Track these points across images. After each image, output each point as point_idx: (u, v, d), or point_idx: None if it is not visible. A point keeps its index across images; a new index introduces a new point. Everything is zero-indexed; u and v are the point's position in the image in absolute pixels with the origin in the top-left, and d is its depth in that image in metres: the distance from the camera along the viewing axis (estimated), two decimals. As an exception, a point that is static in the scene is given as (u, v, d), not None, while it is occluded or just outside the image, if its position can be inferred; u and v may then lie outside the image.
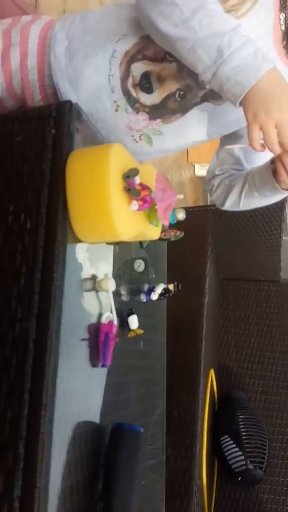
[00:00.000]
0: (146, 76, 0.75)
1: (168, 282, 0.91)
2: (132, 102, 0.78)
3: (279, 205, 1.75)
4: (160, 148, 0.86)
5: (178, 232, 0.90)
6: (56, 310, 0.57)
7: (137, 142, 0.83)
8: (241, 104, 0.64)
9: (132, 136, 0.82)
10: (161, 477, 0.96)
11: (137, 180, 0.64)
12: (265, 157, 0.91)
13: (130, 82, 0.76)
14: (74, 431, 0.60)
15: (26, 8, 1.20)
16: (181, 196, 0.70)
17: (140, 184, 0.65)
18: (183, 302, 1.37)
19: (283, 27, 0.73)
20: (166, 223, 0.71)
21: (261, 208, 1.66)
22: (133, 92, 0.77)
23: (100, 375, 0.70)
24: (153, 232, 0.78)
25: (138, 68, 0.75)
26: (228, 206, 0.97)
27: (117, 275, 0.74)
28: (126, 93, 0.77)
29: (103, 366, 0.66)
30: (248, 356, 1.83)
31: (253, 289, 2.01)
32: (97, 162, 0.59)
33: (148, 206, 0.65)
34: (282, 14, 0.72)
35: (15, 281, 0.59)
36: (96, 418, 0.67)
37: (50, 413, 0.54)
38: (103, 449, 0.67)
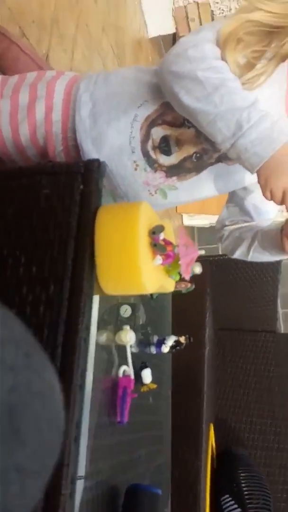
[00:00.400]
0: (165, 139, 0.80)
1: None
2: (151, 162, 0.82)
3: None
4: (173, 201, 0.89)
5: (189, 285, 0.92)
6: (81, 363, 0.56)
7: (152, 195, 0.87)
8: (255, 168, 0.69)
9: (149, 190, 0.85)
10: None
11: (162, 235, 0.66)
12: (273, 210, 0.96)
13: (150, 144, 0.81)
14: (89, 492, 0.57)
15: (42, 64, 1.27)
16: (203, 252, 0.72)
17: (164, 240, 0.66)
18: (182, 353, 1.35)
19: None
20: (188, 278, 0.72)
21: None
22: (152, 154, 0.81)
23: (114, 432, 0.68)
24: (170, 285, 0.79)
25: (158, 132, 0.80)
26: (237, 256, 1.00)
27: (102, 319, 0.72)
28: (145, 154, 0.81)
29: (120, 423, 0.65)
30: (247, 409, 1.79)
31: (250, 340, 2.01)
32: (127, 219, 0.61)
33: (171, 261, 0.67)
34: None
35: (38, 331, 0.59)
36: (109, 479, 0.64)
37: (72, 473, 0.52)
38: (118, 511, 0.64)
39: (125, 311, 0.86)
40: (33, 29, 1.46)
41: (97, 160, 0.68)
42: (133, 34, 2.60)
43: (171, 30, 2.84)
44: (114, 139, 0.80)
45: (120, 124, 0.80)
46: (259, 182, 0.70)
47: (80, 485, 0.54)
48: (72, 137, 0.82)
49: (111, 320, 0.71)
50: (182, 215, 3.35)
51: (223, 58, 0.72)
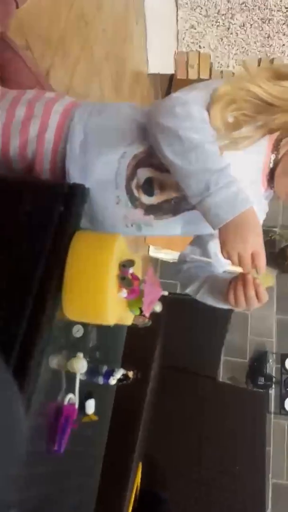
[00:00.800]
0: (149, 181, 0.83)
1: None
2: (133, 200, 0.85)
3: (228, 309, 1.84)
4: (146, 234, 0.92)
5: (147, 320, 0.93)
6: (30, 387, 0.55)
7: (128, 227, 0.89)
8: (216, 227, 0.75)
9: (126, 223, 0.87)
10: None
11: (131, 270, 0.67)
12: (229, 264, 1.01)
13: (134, 183, 0.84)
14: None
15: (41, 80, 1.28)
16: (166, 293, 0.74)
17: (132, 274, 0.68)
18: (126, 386, 1.34)
19: (271, 165, 0.86)
20: (147, 315, 0.73)
21: (211, 308, 1.74)
22: (135, 192, 0.85)
23: (48, 459, 0.66)
24: (129, 318, 0.79)
25: (143, 173, 0.83)
26: (188, 291, 1.04)
27: (55, 336, 0.68)
28: (129, 191, 0.84)
29: (57, 451, 0.63)
30: (176, 453, 1.79)
31: (191, 383, 2.03)
32: (102, 249, 0.62)
33: (136, 297, 0.68)
34: (273, 155, 0.84)
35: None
36: (36, 510, 0.62)
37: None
38: None
39: (77, 331, 0.86)
40: (39, 43, 1.48)
41: (82, 185, 0.69)
42: (134, 67, 2.69)
43: (170, 70, 2.96)
44: (101, 172, 0.82)
45: (108, 158, 0.82)
46: (219, 240, 0.75)
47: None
48: (60, 159, 0.83)
49: (62, 337, 0.69)
50: (149, 246, 3.40)
51: (211, 113, 0.77)
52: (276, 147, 0.85)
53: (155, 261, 3.38)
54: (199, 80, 2.86)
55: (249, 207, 0.72)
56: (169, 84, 3.33)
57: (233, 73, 2.74)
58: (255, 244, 0.73)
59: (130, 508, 1.24)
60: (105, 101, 2.23)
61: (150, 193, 0.84)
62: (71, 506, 0.81)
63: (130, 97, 2.62)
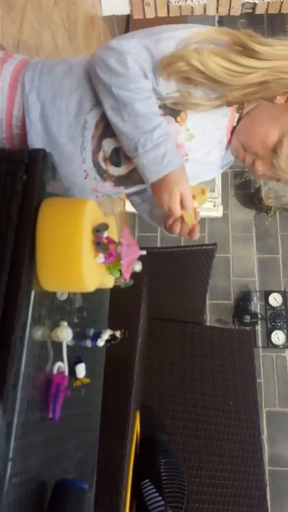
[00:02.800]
0: (116, 151, 0.80)
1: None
2: (101, 172, 0.83)
3: (209, 254, 1.86)
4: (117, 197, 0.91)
5: (128, 280, 0.92)
6: (15, 363, 0.55)
7: (98, 198, 0.88)
8: (147, 184, 0.78)
9: (96, 195, 0.87)
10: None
11: (105, 234, 0.65)
12: None
13: (101, 156, 0.81)
14: (17, 490, 0.56)
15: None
16: (144, 252, 0.73)
17: (107, 238, 0.66)
18: (116, 343, 1.37)
19: (235, 124, 0.84)
20: (127, 277, 0.73)
21: (193, 256, 1.75)
22: (102, 164, 0.82)
23: (43, 427, 0.67)
24: (110, 281, 0.79)
25: (109, 144, 0.79)
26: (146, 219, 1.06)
27: (38, 302, 0.67)
28: (96, 165, 0.82)
29: (51, 420, 0.64)
30: (171, 397, 1.87)
31: (179, 330, 2.08)
32: (72, 215, 0.60)
33: (113, 260, 0.67)
34: (237, 114, 0.82)
35: None
36: (37, 475, 0.64)
37: (2, 474, 0.51)
38: (45, 506, 0.64)
39: (61, 294, 0.85)
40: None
41: (43, 150, 0.66)
42: (86, 11, 2.51)
43: (126, 11, 2.77)
44: (66, 147, 0.79)
45: (71, 130, 0.79)
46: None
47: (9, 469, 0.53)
48: (17, 125, 0.78)
49: (46, 304, 0.68)
50: (125, 202, 3.36)
51: (160, 74, 0.73)
52: (240, 106, 0.82)
53: (133, 216, 3.36)
54: (157, 19, 2.70)
55: (175, 168, 0.74)
56: (127, 26, 3.14)
57: (192, 8, 2.58)
58: (183, 192, 0.76)
59: (133, 455, 1.32)
60: (60, 51, 2.09)
61: (117, 163, 0.81)
62: (74, 463, 0.84)
63: (85, 44, 2.47)
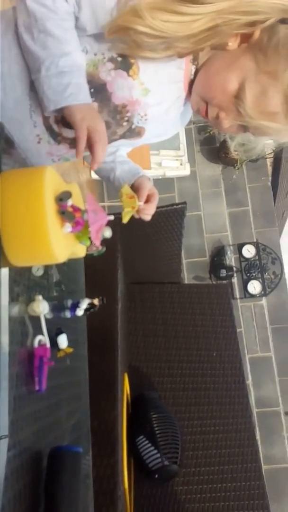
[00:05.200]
0: None
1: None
2: (55, 135, 0.79)
3: (180, 213, 1.87)
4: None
5: (100, 247, 0.92)
6: (-6, 341, 0.55)
7: (55, 161, 0.85)
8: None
9: (52, 159, 0.83)
10: (89, 490, 0.97)
11: (69, 202, 0.64)
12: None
13: (52, 118, 0.77)
14: (12, 464, 0.58)
15: None
16: (112, 217, 0.72)
17: (72, 206, 0.65)
18: (96, 311, 1.38)
19: (192, 77, 0.80)
20: (98, 244, 0.72)
21: (164, 217, 1.75)
22: (55, 127, 0.78)
23: (33, 400, 0.68)
24: (81, 250, 0.78)
25: None
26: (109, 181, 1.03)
27: (14, 281, 0.67)
28: (48, 128, 0.78)
29: (39, 391, 0.65)
30: (156, 356, 1.92)
31: (157, 292, 2.11)
32: (32, 185, 0.58)
33: (81, 228, 0.66)
34: (194, 66, 0.79)
35: None
36: (32, 446, 0.65)
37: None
38: (43, 475, 0.66)
39: (37, 270, 0.84)
40: None
41: (-7, 121, 0.63)
42: None
43: None
44: (13, 111, 0.75)
45: (16, 92, 0.74)
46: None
47: (4, 445, 0.54)
48: None
49: (23, 281, 0.68)
50: (90, 169, 3.29)
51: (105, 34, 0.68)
52: (196, 57, 0.79)
53: (100, 183, 3.30)
54: None
55: (78, 104, 0.69)
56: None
57: None
58: (91, 127, 0.71)
59: (125, 415, 1.36)
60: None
61: (70, 125, 0.77)
62: (68, 430, 0.86)
63: None
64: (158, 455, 1.51)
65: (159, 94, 0.78)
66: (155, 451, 1.51)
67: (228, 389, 1.97)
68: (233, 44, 0.73)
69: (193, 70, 0.79)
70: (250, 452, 1.82)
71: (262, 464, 1.95)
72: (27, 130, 0.77)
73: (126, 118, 0.80)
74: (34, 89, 0.74)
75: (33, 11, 0.67)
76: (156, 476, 1.52)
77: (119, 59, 0.73)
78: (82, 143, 0.71)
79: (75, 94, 0.69)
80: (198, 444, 1.79)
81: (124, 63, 0.73)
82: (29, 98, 0.76)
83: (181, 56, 0.74)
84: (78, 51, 0.71)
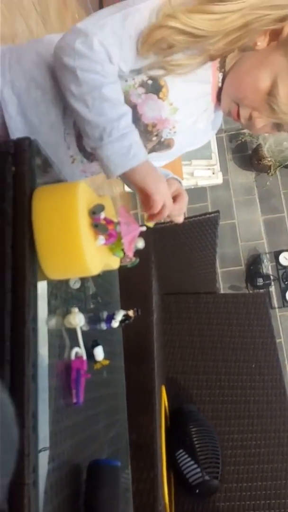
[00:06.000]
0: None
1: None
2: (88, 155, 0.82)
3: (213, 222, 1.85)
4: None
5: (134, 258, 0.92)
6: (31, 354, 0.55)
7: (87, 177, 0.87)
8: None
9: (85, 175, 0.86)
10: (129, 504, 0.96)
11: (102, 215, 0.64)
12: None
13: (85, 140, 0.79)
14: (52, 475, 0.58)
15: None
16: (144, 228, 0.72)
17: (105, 219, 0.65)
18: (131, 322, 1.38)
19: (220, 84, 0.80)
20: (131, 255, 0.72)
21: (197, 226, 1.74)
22: (88, 148, 0.80)
23: (71, 413, 0.69)
24: (115, 262, 0.78)
25: None
26: None
27: (51, 294, 0.68)
28: (82, 149, 0.81)
29: (76, 404, 0.65)
30: (194, 368, 1.89)
31: (193, 302, 2.09)
32: (65, 200, 0.59)
33: (114, 240, 0.66)
34: (220, 74, 0.79)
35: (-17, 327, 0.56)
36: (71, 459, 0.65)
37: (34, 462, 0.52)
38: (82, 489, 0.65)
39: (74, 283, 0.86)
40: None
41: (28, 138, 0.65)
42: (55, -9, 2.43)
43: (95, -14, 2.68)
44: (48, 136, 0.77)
45: (51, 118, 0.77)
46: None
47: (44, 457, 0.54)
48: None
49: (60, 294, 0.69)
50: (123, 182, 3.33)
51: (141, 51, 0.69)
52: (222, 65, 0.79)
53: (133, 196, 3.33)
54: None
55: (142, 163, 0.70)
56: (100, 2, 3.05)
57: None
58: (162, 193, 0.72)
59: (163, 427, 1.34)
60: (35, 36, 2.04)
61: None
62: (107, 444, 0.86)
63: (60, 25, 2.40)
64: (199, 469, 1.48)
65: (187, 110, 0.80)
66: (195, 466, 1.48)
67: (269, 402, 1.91)
68: (262, 43, 0.73)
69: (221, 78, 0.79)
70: (295, 468, 1.74)
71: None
72: (61, 152, 0.80)
73: (155, 133, 0.81)
74: (67, 113, 0.77)
75: (86, 80, 0.67)
76: (197, 491, 1.48)
77: (150, 82, 0.74)
78: (158, 207, 0.73)
79: (138, 154, 0.70)
80: (239, 459, 1.73)
81: (154, 86, 0.74)
82: (63, 123, 0.78)
83: (212, 59, 0.74)
84: (128, 107, 0.72)
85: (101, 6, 2.99)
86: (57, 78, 0.72)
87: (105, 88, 0.68)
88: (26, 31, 1.94)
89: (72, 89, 0.68)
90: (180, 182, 0.89)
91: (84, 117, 0.69)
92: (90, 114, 0.68)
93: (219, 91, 0.81)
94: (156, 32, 0.68)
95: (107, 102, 0.68)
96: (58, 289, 0.68)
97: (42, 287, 0.62)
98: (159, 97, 0.75)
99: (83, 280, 0.83)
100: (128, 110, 0.70)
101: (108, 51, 0.69)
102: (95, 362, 0.79)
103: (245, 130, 3.27)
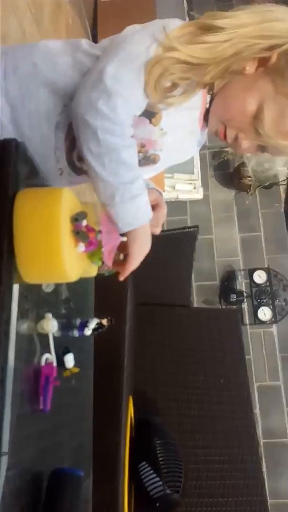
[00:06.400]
0: None
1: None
2: (76, 169, 0.83)
3: (192, 237, 1.87)
4: None
5: (111, 267, 0.92)
6: (1, 358, 0.55)
7: (73, 185, 0.87)
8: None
9: (72, 185, 0.86)
10: (88, 516, 0.94)
11: (84, 222, 0.65)
12: None
13: (74, 155, 0.80)
14: (12, 482, 0.57)
15: None
16: (125, 239, 0.72)
17: (86, 226, 0.65)
18: (104, 330, 1.38)
19: (207, 106, 0.83)
20: (110, 264, 0.73)
21: (175, 239, 1.75)
22: (77, 163, 0.82)
23: (36, 419, 0.67)
24: (93, 270, 0.78)
25: None
26: None
27: (23, 296, 0.66)
28: (70, 163, 0.82)
29: (43, 411, 0.64)
30: (162, 380, 1.89)
31: (167, 314, 2.10)
32: (48, 205, 0.59)
33: (94, 249, 0.66)
34: (209, 96, 0.82)
35: None
36: (32, 466, 0.64)
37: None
38: (42, 497, 0.64)
39: (47, 286, 0.84)
40: None
41: (15, 140, 0.64)
42: (51, -6, 2.43)
43: (91, -7, 2.71)
44: (38, 147, 0.77)
45: (43, 130, 0.77)
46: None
47: (4, 462, 0.53)
48: None
49: (32, 297, 0.68)
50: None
51: (147, 90, 0.71)
52: (211, 87, 0.81)
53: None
54: (125, 1, 2.64)
55: (145, 223, 0.74)
56: (94, 8, 3.07)
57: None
58: (145, 253, 0.78)
59: (128, 439, 1.33)
60: (28, 38, 2.03)
61: None
62: (70, 452, 0.85)
63: (54, 29, 2.41)
64: (160, 483, 1.47)
65: (175, 134, 0.82)
66: (157, 479, 1.47)
67: (235, 418, 1.93)
68: (250, 68, 0.76)
69: (209, 99, 0.82)
70: (256, 485, 1.75)
71: (268, 498, 1.88)
72: (50, 165, 0.81)
73: (142, 151, 0.83)
74: (59, 128, 0.77)
75: (105, 142, 0.68)
76: (157, 504, 1.47)
77: (145, 109, 0.75)
78: (128, 272, 0.77)
79: (145, 213, 0.73)
80: (202, 474, 1.74)
81: (149, 112, 0.76)
82: (54, 137, 0.78)
83: (204, 87, 0.77)
84: (139, 169, 0.74)
85: (95, 11, 3.01)
86: (74, 127, 0.72)
87: (123, 151, 0.69)
88: (19, 31, 1.93)
89: (90, 147, 0.69)
90: (160, 193, 0.90)
91: (98, 175, 0.70)
92: (105, 173, 0.69)
93: (206, 112, 0.83)
94: (157, 65, 0.70)
95: (124, 165, 0.69)
96: (30, 291, 0.67)
97: (14, 288, 0.61)
98: (151, 122, 0.78)
99: (57, 284, 0.82)
100: (139, 172, 0.73)
101: (129, 111, 0.70)
102: (65, 369, 0.78)
103: (228, 149, 3.33)
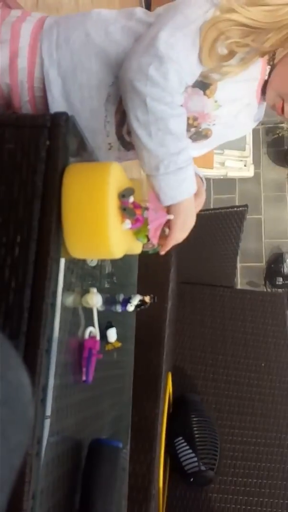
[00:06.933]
0: None
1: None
2: (125, 144, 0.81)
3: (240, 216, 1.82)
4: None
5: (156, 245, 0.91)
6: (47, 328, 0.56)
7: (121, 162, 0.86)
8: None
9: (120, 162, 0.86)
10: (124, 483, 0.97)
11: (131, 199, 0.64)
12: None
13: (125, 129, 0.79)
14: (54, 448, 0.59)
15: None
16: (172, 217, 0.71)
17: (133, 203, 0.65)
18: (146, 308, 1.39)
19: (266, 77, 0.79)
20: (155, 242, 0.72)
21: (223, 218, 1.71)
22: (127, 137, 0.80)
23: (78, 390, 0.70)
24: (137, 247, 0.78)
25: None
26: None
27: (68, 268, 0.66)
28: (120, 137, 0.80)
29: (85, 382, 0.66)
30: (202, 358, 1.89)
31: (209, 294, 2.08)
32: (96, 180, 0.59)
33: (140, 225, 0.66)
34: (268, 67, 0.78)
35: (3, 296, 0.57)
36: (73, 435, 0.67)
37: (38, 434, 0.53)
38: (82, 464, 0.67)
39: (91, 261, 0.86)
40: None
41: (65, 114, 0.64)
42: None
43: None
44: (88, 121, 0.77)
45: (93, 103, 0.76)
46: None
47: (46, 425, 0.55)
48: (39, 87, 0.76)
49: (77, 270, 0.69)
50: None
51: (202, 56, 0.68)
52: (271, 57, 0.77)
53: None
54: None
55: (188, 197, 0.71)
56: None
57: None
58: (190, 227, 0.76)
59: (165, 414, 1.35)
60: (80, 8, 2.01)
61: None
62: (109, 423, 0.87)
63: (108, 1, 2.36)
64: (195, 459, 1.49)
65: (230, 107, 0.79)
66: (193, 455, 1.49)
67: (274, 402, 1.90)
68: None
69: (268, 71, 0.77)
70: (292, 470, 1.74)
71: (303, 484, 1.86)
72: (100, 139, 0.80)
73: (195, 125, 0.80)
74: (110, 100, 0.76)
75: (154, 110, 0.66)
76: (191, 479, 1.50)
77: (199, 79, 0.72)
78: (169, 246, 0.76)
79: (189, 188, 0.71)
80: (237, 454, 1.74)
81: (203, 83, 0.73)
82: (105, 110, 0.77)
83: (263, 55, 0.73)
84: (187, 140, 0.72)
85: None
86: (122, 94, 0.70)
87: (172, 121, 0.67)
88: (72, 1, 1.91)
89: (137, 115, 0.67)
90: (202, 180, 0.88)
91: (144, 144, 0.68)
92: (151, 143, 0.67)
93: (265, 84, 0.79)
94: (212, 28, 0.67)
95: (171, 135, 0.67)
96: (75, 264, 0.68)
97: (61, 261, 0.62)
98: (205, 94, 0.75)
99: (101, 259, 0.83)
100: (187, 144, 0.70)
101: (181, 78, 0.67)
102: (107, 343, 0.79)
103: (283, 124, 3.17)
